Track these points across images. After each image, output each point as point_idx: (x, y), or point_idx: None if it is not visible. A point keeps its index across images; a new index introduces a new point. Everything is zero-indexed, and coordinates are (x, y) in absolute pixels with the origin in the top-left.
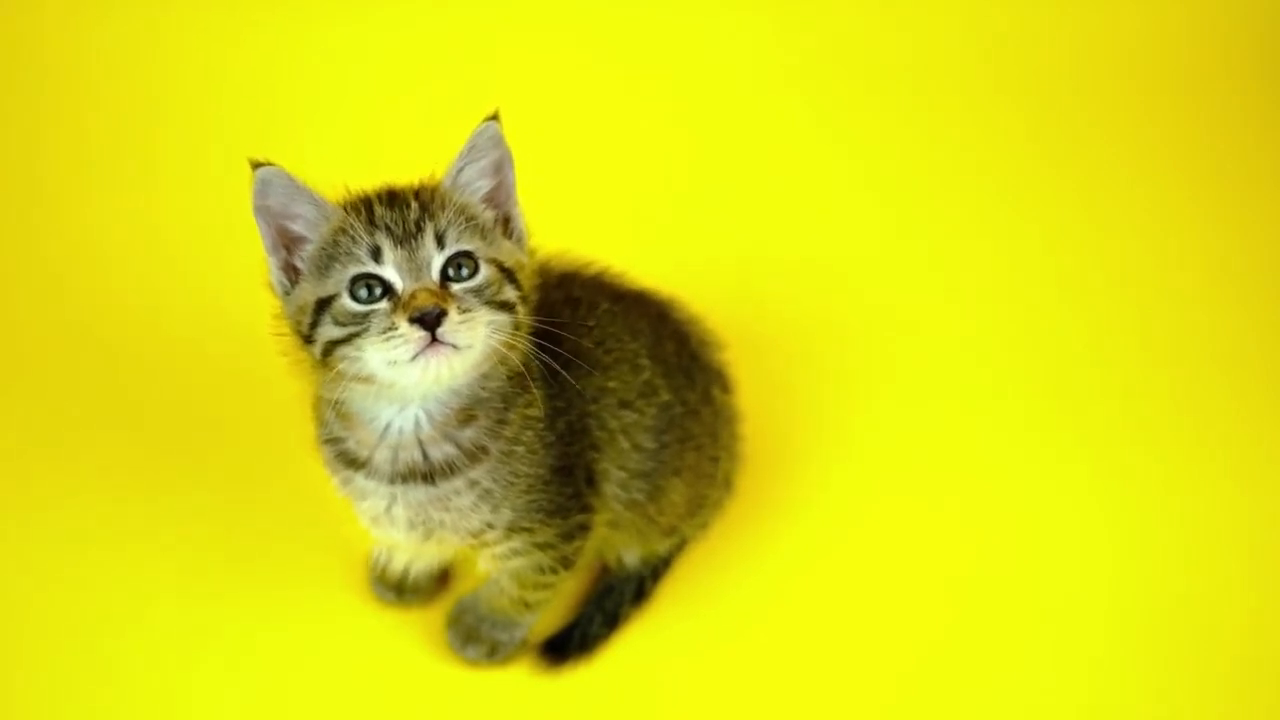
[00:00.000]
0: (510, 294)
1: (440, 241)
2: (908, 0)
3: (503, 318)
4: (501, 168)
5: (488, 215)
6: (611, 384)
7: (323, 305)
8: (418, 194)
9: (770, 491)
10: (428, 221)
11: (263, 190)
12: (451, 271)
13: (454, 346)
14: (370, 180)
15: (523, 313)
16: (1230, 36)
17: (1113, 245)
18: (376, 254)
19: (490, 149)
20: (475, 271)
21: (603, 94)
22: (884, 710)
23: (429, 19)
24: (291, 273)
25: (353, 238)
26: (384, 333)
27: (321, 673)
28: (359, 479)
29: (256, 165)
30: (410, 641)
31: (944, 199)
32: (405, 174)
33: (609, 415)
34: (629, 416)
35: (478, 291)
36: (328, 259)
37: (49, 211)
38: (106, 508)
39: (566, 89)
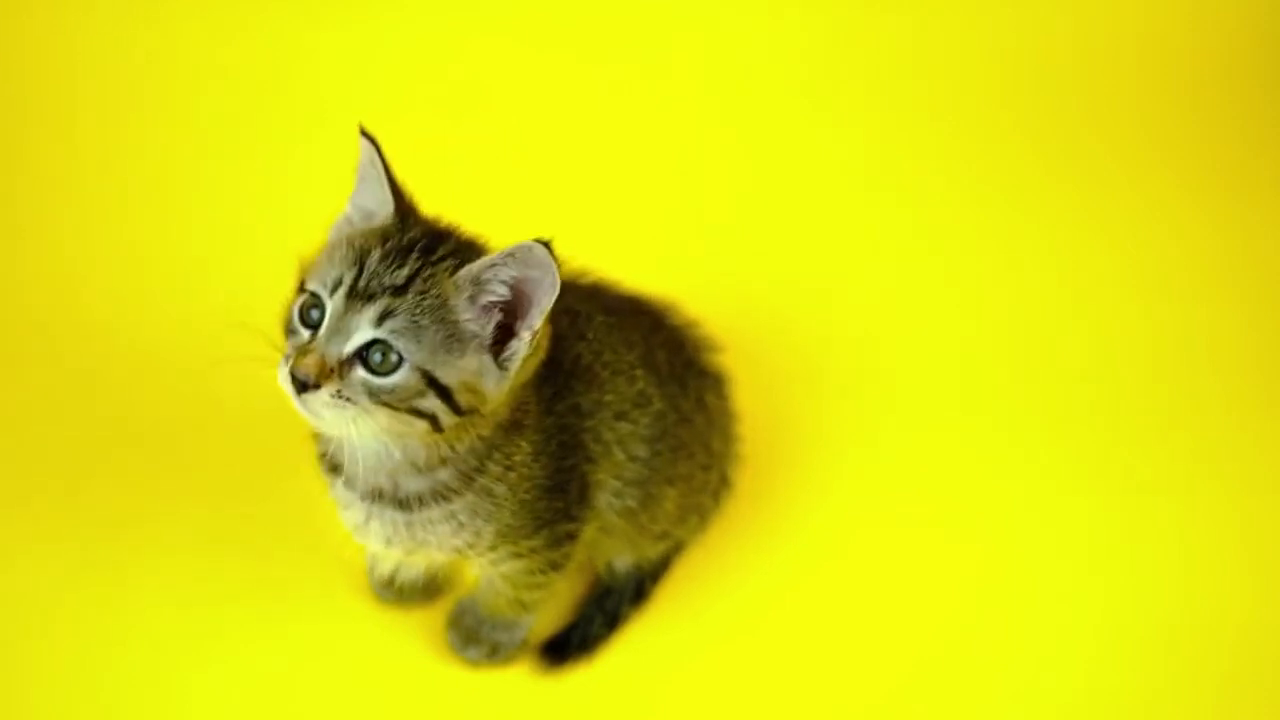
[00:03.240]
0: (430, 405)
1: (380, 320)
2: (908, 13)
3: (411, 424)
4: (529, 288)
5: (473, 327)
6: (608, 397)
7: (300, 287)
8: (422, 263)
9: (770, 492)
10: (388, 295)
11: (363, 156)
12: (373, 356)
13: (316, 415)
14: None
15: (450, 423)
16: (1230, 37)
17: (1115, 256)
18: (335, 287)
19: (526, 266)
20: (392, 371)
21: (601, 100)
22: (884, 710)
23: (430, 22)
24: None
25: (341, 256)
26: (285, 357)
27: (323, 673)
28: (339, 486)
29: (363, 133)
30: (411, 641)
31: (942, 201)
32: (403, 178)
33: (605, 428)
34: (624, 428)
35: (374, 390)
36: (329, 254)
37: (47, 221)
38: (106, 508)
39: (564, 94)
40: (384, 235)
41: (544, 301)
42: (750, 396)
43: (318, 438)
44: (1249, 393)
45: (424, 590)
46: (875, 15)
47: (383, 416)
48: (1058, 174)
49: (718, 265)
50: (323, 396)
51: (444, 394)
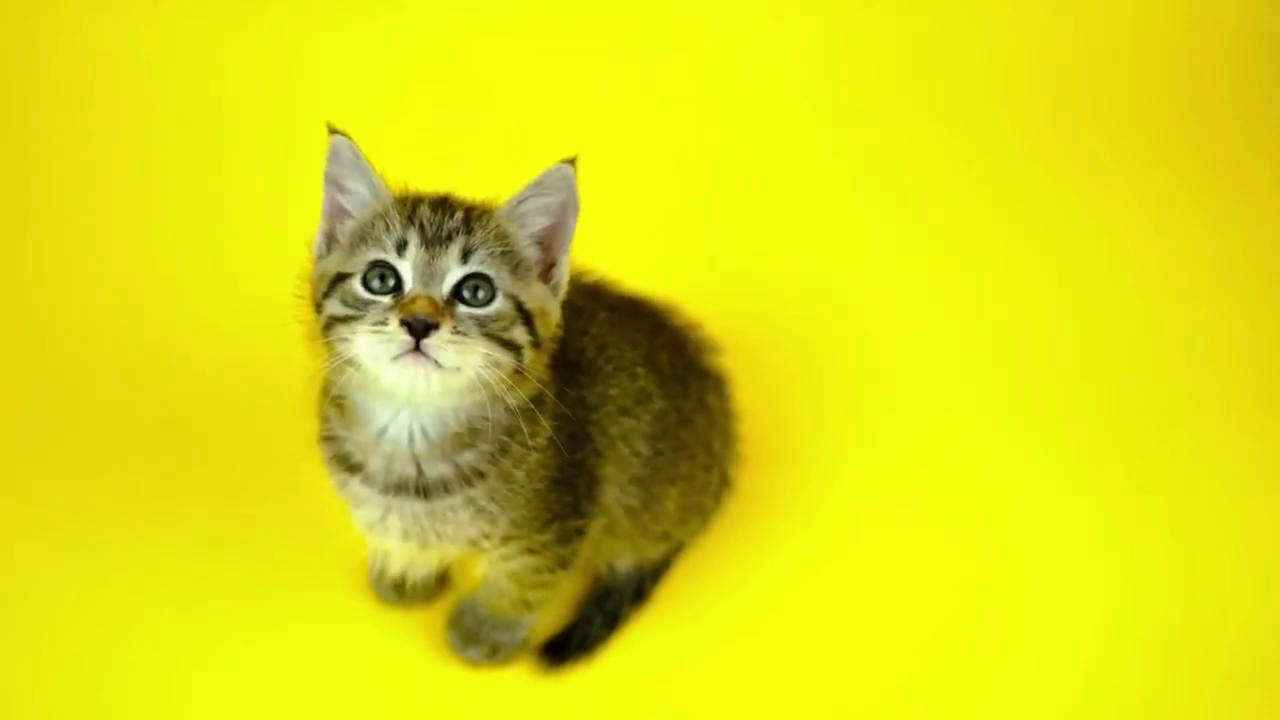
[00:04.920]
0: (520, 335)
1: (465, 257)
2: (908, 13)
3: (504, 356)
4: (563, 213)
5: (531, 253)
6: (613, 392)
7: (339, 280)
8: (468, 208)
9: (770, 492)
10: (461, 234)
11: (332, 157)
12: (466, 293)
13: (436, 362)
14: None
15: (530, 358)
16: (1230, 37)
17: (1115, 256)
18: (401, 247)
19: (558, 190)
20: (489, 301)
21: (600, 101)
22: (884, 710)
23: (430, 22)
24: (332, 243)
25: (387, 225)
26: (375, 325)
27: (323, 673)
28: (354, 484)
29: (332, 131)
30: (411, 641)
31: (942, 202)
32: (402, 178)
33: (610, 423)
34: (628, 423)
35: (482, 321)
36: (360, 238)
37: (47, 221)
38: (106, 508)
39: (564, 95)
40: (411, 199)
41: (573, 221)
42: (750, 396)
43: (331, 438)
44: (1249, 393)
45: (425, 590)
46: (875, 15)
47: (481, 353)
48: (1058, 174)
49: (718, 266)
50: (444, 334)
51: (528, 321)
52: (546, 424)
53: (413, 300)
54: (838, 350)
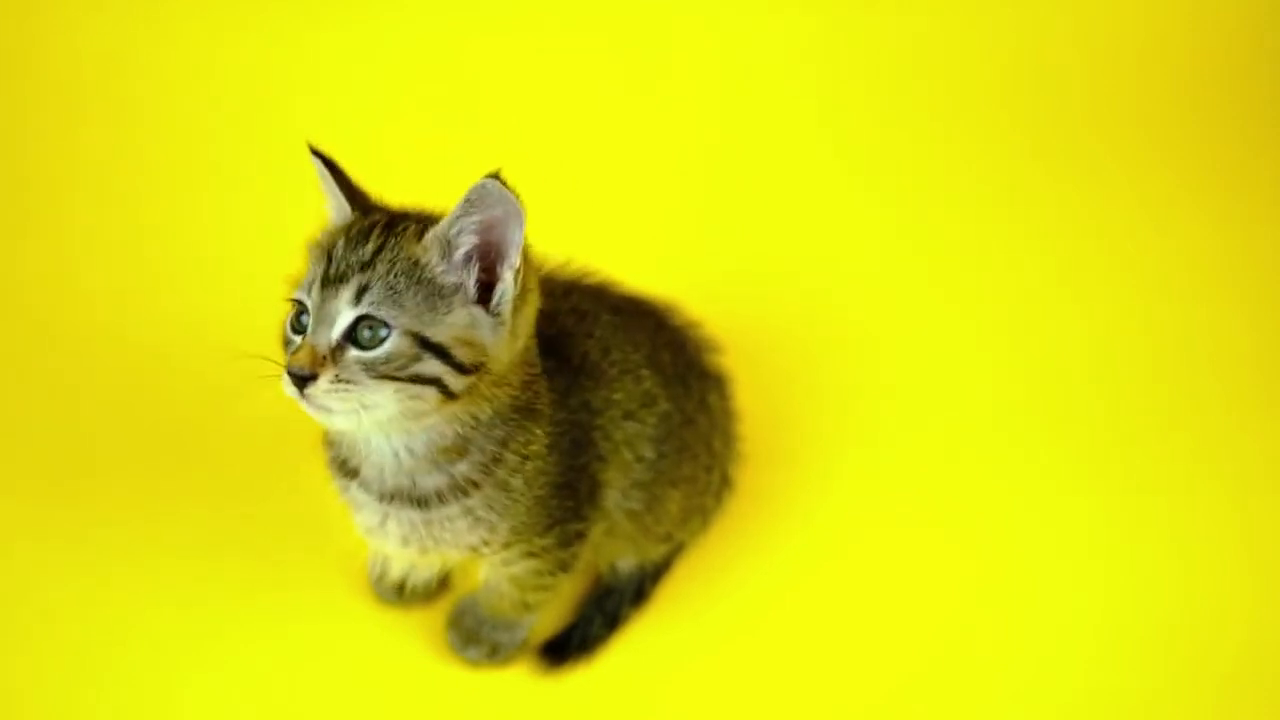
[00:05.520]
0: (430, 369)
1: (359, 297)
2: (908, 13)
3: (421, 390)
4: (496, 228)
5: (452, 279)
6: (617, 396)
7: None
8: (387, 236)
9: (770, 492)
10: (359, 271)
11: (318, 171)
12: (363, 333)
13: (325, 408)
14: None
15: (464, 385)
16: (1230, 37)
17: (1115, 256)
18: (311, 285)
19: (485, 206)
20: (381, 343)
21: (601, 101)
22: (884, 710)
23: (429, 22)
24: None
25: (314, 257)
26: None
27: (323, 673)
28: (353, 489)
29: (312, 151)
30: (410, 641)
31: (942, 202)
32: (402, 178)
33: (614, 427)
34: (632, 427)
35: (370, 365)
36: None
37: (47, 221)
38: (107, 508)
39: (564, 96)
40: (347, 227)
41: (514, 236)
42: (750, 396)
43: (331, 443)
44: (1249, 393)
45: (425, 592)
46: (875, 15)
47: (389, 393)
48: (1058, 174)
49: (718, 266)
50: (322, 385)
51: (440, 353)
52: (542, 432)
53: (296, 350)
54: (838, 350)
